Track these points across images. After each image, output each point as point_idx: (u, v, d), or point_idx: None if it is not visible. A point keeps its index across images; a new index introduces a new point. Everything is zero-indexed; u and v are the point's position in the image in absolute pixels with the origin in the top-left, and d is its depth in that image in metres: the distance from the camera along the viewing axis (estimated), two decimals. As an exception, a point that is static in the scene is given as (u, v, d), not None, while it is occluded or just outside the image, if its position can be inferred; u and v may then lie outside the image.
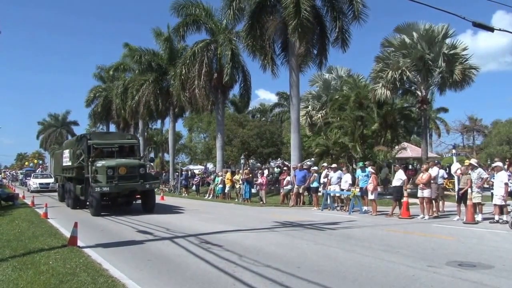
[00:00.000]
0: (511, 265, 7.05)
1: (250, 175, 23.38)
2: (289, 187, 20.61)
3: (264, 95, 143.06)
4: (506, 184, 12.23)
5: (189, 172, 36.00)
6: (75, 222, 9.29)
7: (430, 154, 30.84)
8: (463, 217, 12.81)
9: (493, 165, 14.31)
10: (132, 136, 22.31)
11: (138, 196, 17.37)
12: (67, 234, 9.79)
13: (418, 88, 23.80)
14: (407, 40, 22.89)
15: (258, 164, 41.03)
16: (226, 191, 24.81)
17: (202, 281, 6.29)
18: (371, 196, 15.71)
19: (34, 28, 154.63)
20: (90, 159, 16.54)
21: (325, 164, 21.72)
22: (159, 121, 46.12)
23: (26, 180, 46.67)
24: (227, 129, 34.15)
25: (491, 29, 11.52)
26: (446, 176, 17.43)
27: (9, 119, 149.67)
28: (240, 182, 23.26)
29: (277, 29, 22.73)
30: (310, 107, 32.19)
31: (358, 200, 16.14)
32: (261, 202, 21.42)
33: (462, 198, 13.16)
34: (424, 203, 13.93)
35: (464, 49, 22.36)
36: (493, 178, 13.39)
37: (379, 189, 17.53)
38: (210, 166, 46.36)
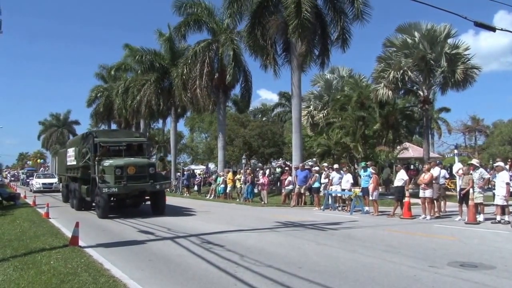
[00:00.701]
0: (513, 266, 7.03)
1: (252, 175, 23.38)
2: (290, 187, 20.60)
3: (265, 95, 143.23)
4: (508, 184, 12.20)
5: (191, 172, 36.02)
6: (77, 222, 9.30)
7: (432, 154, 30.78)
8: (465, 218, 12.78)
9: (495, 165, 14.28)
10: (140, 134, 21.58)
11: (147, 197, 16.46)
12: (69, 234, 9.80)
13: (420, 88, 23.75)
14: (409, 40, 22.85)
15: (260, 164, 41.05)
16: (227, 191, 24.81)
17: (203, 281, 6.29)
18: (371, 196, 15.70)
19: (34, 28, 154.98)
20: (96, 158, 15.66)
21: (325, 164, 21.72)
22: (160, 121, 46.13)
23: (28, 180, 46.70)
24: (228, 129, 34.15)
25: (493, 29, 11.50)
26: (448, 176, 17.39)
27: (11, 119, 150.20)
28: (241, 182, 23.27)
29: (279, 29, 22.69)
30: (311, 107, 32.20)
31: (360, 200, 16.13)
32: (263, 202, 21.41)
33: (464, 198, 13.13)
34: (426, 203, 13.90)
35: (466, 49, 22.31)
36: (495, 178, 13.37)
37: (380, 190, 17.51)
38: (211, 166, 46.39)
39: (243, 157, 29.21)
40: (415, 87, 24.58)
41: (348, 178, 17.17)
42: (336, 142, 26.15)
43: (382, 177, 23.66)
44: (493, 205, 12.92)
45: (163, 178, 17.93)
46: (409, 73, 22.44)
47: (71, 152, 19.22)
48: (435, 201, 14.15)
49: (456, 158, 17.78)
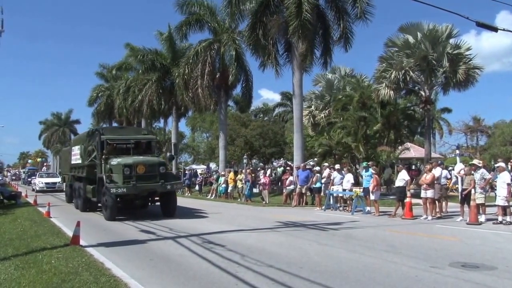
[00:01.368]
0: (515, 267, 7.01)
1: (253, 175, 23.38)
2: (291, 187, 20.59)
3: (267, 95, 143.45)
4: (509, 185, 12.16)
5: (192, 172, 36.04)
6: (78, 221, 9.31)
7: (433, 155, 30.73)
8: (466, 218, 12.76)
9: (496, 165, 14.25)
10: (149, 131, 20.73)
11: (157, 198, 15.62)
12: (70, 233, 9.81)
13: (421, 88, 23.71)
14: (411, 40, 22.80)
15: (261, 164, 41.03)
16: (228, 191, 24.81)
17: (204, 281, 6.29)
18: (372, 197, 15.68)
19: (35, 27, 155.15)
20: (103, 156, 14.87)
21: (326, 164, 21.69)
22: (162, 121, 46.12)
23: (29, 179, 46.67)
24: (229, 129, 34.13)
25: (495, 29, 11.46)
26: (449, 176, 17.35)
27: (12, 118, 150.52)
28: (243, 182, 23.27)
29: (280, 28, 22.64)
30: (313, 106, 32.18)
31: (361, 200, 16.11)
32: (264, 202, 21.40)
33: (466, 198, 13.10)
34: (427, 204, 13.88)
35: (468, 49, 22.26)
36: (496, 179, 13.33)
37: (382, 190, 17.48)
38: (212, 165, 46.38)
39: (244, 157, 29.19)
40: (416, 87, 24.54)
41: (349, 178, 17.15)
42: (338, 142, 26.14)
43: (383, 177, 23.63)
44: (495, 205, 12.89)
45: (174, 178, 17.05)
46: (411, 73, 22.39)
47: (76, 150, 18.43)
48: (436, 202, 14.12)
49: (458, 159, 17.74)
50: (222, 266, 7.10)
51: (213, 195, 26.68)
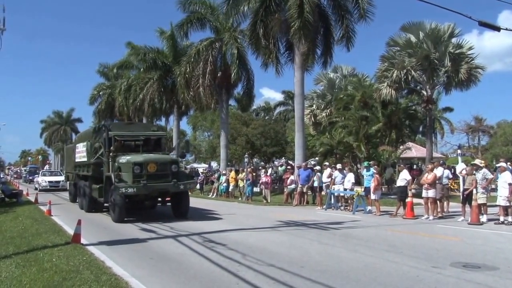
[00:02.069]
0: (516, 267, 6.99)
1: (254, 174, 23.36)
2: (293, 186, 20.57)
3: (268, 94, 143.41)
4: (511, 184, 12.13)
5: (193, 171, 36.01)
6: (79, 219, 9.30)
7: (435, 154, 30.72)
8: (468, 218, 12.74)
9: (497, 165, 14.22)
10: (158, 128, 19.85)
11: (168, 198, 14.81)
12: (71, 232, 9.81)
13: (423, 87, 23.66)
14: (413, 39, 22.73)
15: (262, 163, 41.03)
16: (230, 189, 24.81)
17: (205, 280, 6.28)
18: (373, 196, 15.67)
19: (36, 27, 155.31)
20: (111, 154, 13.94)
21: (327, 163, 21.67)
22: (163, 119, 46.12)
23: (31, 177, 46.65)
24: (231, 128, 34.13)
25: (498, 29, 11.43)
26: (451, 176, 17.33)
27: (14, 116, 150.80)
28: (244, 181, 23.26)
29: (282, 27, 22.62)
30: (314, 106, 32.12)
31: (362, 200, 16.09)
32: (265, 201, 21.40)
33: (467, 198, 13.07)
34: (429, 204, 13.86)
35: (470, 48, 22.20)
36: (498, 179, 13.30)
37: (383, 189, 17.45)
38: (214, 164, 46.39)
39: (246, 155, 29.19)
40: (418, 87, 24.50)
41: (350, 178, 17.14)
42: (339, 141, 26.10)
43: (385, 177, 23.62)
44: (496, 206, 12.86)
45: (187, 177, 15.87)
46: (413, 72, 22.34)
47: (81, 147, 17.18)
48: (438, 201, 14.10)
49: (459, 158, 17.72)
50: (223, 265, 7.09)
51: (214, 194, 26.68)
